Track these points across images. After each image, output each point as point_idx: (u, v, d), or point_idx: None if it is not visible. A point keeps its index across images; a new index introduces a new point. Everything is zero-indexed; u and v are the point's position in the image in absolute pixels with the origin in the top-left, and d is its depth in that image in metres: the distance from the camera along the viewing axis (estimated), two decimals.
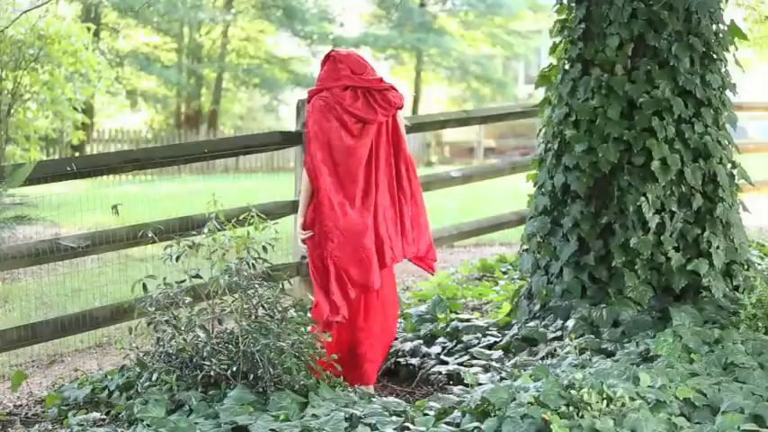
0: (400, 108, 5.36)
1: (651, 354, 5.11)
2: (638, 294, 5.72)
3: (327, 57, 5.39)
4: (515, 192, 14.12)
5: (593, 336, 5.54)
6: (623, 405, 4.33)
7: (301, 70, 27.40)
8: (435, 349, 5.79)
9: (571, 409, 4.30)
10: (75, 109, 13.18)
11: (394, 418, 4.59)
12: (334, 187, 5.21)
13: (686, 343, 5.11)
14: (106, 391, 5.17)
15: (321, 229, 5.21)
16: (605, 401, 4.35)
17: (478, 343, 5.86)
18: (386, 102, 5.29)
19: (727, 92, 6.13)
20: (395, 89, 5.38)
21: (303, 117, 7.13)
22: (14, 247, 5.77)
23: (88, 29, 13.32)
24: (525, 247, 6.27)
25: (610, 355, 5.34)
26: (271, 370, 4.77)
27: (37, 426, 5.01)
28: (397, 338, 5.94)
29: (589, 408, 4.30)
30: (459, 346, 5.84)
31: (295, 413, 4.59)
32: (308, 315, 5.27)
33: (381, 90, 5.30)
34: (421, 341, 5.88)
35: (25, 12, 9.48)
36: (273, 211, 6.74)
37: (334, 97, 5.25)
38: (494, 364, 5.45)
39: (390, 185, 5.33)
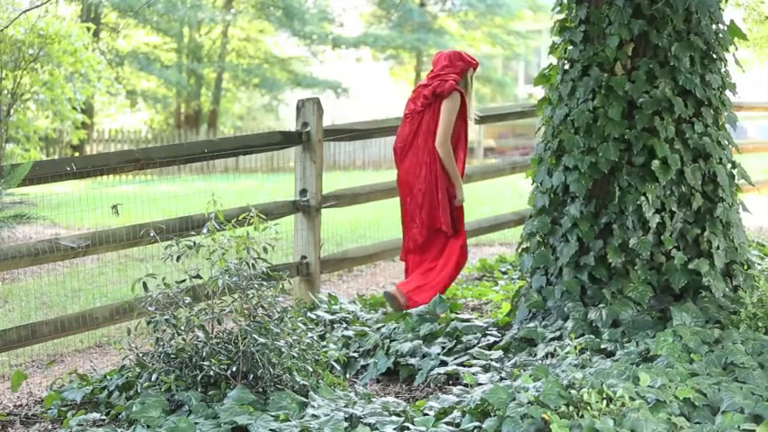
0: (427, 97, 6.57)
1: (651, 354, 5.11)
2: (638, 294, 5.72)
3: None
4: (515, 192, 14.13)
5: (592, 336, 5.53)
6: (623, 405, 4.33)
7: (301, 70, 27.42)
8: (435, 349, 5.79)
9: (571, 408, 4.30)
10: (75, 109, 13.18)
11: (394, 418, 4.59)
12: None
13: (686, 343, 5.11)
14: (106, 392, 5.17)
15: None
16: (605, 401, 4.35)
17: (478, 343, 5.86)
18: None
19: (727, 92, 6.13)
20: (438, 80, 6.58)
21: (303, 117, 7.14)
22: (14, 247, 5.77)
23: (88, 29, 13.32)
24: (525, 246, 6.27)
25: (610, 355, 5.34)
26: (270, 370, 4.77)
27: (37, 426, 5.00)
28: (396, 339, 5.95)
29: (589, 408, 4.30)
30: (458, 346, 5.84)
31: (295, 413, 4.59)
32: (308, 314, 5.27)
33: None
34: (421, 341, 5.88)
35: (25, 12, 9.47)
36: (273, 211, 6.75)
37: None
38: (493, 364, 5.45)
39: None
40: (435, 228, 6.62)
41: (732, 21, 6.14)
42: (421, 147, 6.60)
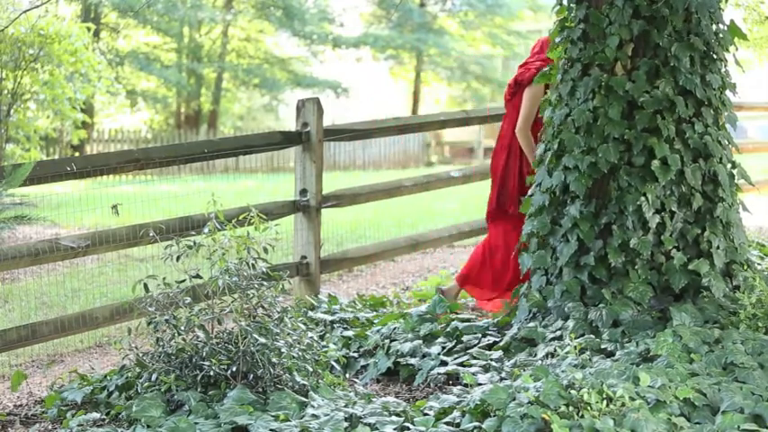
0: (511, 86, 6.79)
1: (651, 354, 5.11)
2: (639, 294, 5.72)
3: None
4: None
5: (593, 336, 5.53)
6: (623, 405, 4.33)
7: (301, 70, 27.44)
8: (435, 349, 5.79)
9: (571, 409, 4.30)
10: (75, 108, 13.19)
11: (394, 418, 4.59)
12: None
13: (686, 343, 5.11)
14: (106, 392, 5.17)
15: None
16: (605, 401, 4.35)
17: (478, 343, 5.86)
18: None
19: (728, 92, 6.12)
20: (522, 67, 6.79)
21: (303, 117, 7.14)
22: (14, 247, 5.77)
23: (88, 29, 13.32)
24: (524, 246, 6.26)
25: (610, 355, 5.34)
26: (271, 370, 4.77)
27: (37, 426, 5.00)
28: (396, 339, 5.95)
29: (589, 408, 4.30)
30: (459, 346, 5.84)
31: (295, 413, 4.59)
32: (308, 314, 5.27)
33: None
34: (421, 341, 5.88)
35: (25, 12, 9.49)
36: (273, 211, 6.75)
37: None
38: (493, 364, 5.45)
39: None
40: (502, 211, 6.84)
41: (732, 21, 6.13)
42: (505, 133, 6.85)
